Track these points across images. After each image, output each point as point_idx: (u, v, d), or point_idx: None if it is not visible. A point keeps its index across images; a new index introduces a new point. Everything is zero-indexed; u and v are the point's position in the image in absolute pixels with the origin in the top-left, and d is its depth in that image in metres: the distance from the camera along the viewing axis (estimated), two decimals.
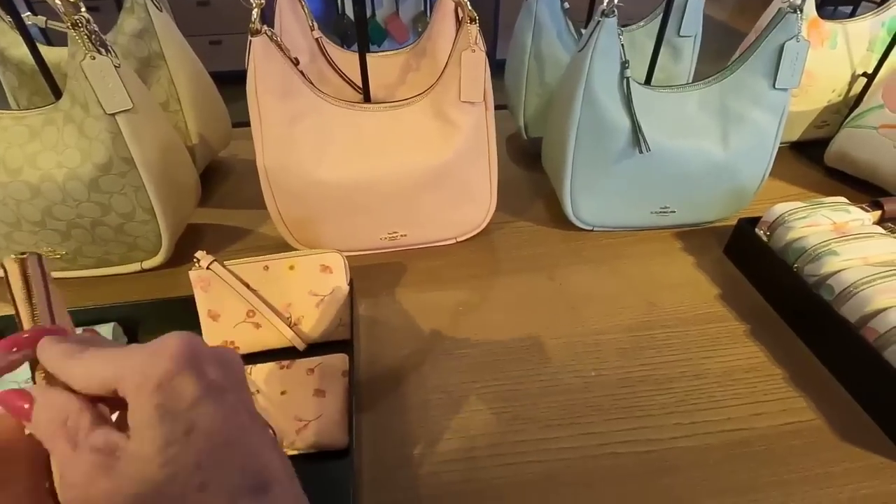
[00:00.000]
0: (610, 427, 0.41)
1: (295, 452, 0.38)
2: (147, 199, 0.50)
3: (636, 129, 0.53)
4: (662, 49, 0.58)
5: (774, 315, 0.51)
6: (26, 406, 0.21)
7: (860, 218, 0.52)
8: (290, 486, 0.21)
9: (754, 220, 0.56)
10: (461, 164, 0.52)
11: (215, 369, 0.21)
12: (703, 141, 0.55)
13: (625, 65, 0.52)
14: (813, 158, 0.76)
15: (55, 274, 0.54)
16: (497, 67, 0.52)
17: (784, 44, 0.50)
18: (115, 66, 0.45)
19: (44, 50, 0.50)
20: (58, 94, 0.48)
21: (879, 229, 0.51)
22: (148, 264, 0.55)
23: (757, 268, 0.54)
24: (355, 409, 0.40)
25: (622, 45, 0.51)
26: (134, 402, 0.19)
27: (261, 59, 0.46)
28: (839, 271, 0.46)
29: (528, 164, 0.75)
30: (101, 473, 0.19)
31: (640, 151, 0.53)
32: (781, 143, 0.57)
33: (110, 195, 0.48)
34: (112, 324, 0.46)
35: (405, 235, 0.57)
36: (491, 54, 0.48)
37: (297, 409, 0.40)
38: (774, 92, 0.53)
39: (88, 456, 0.19)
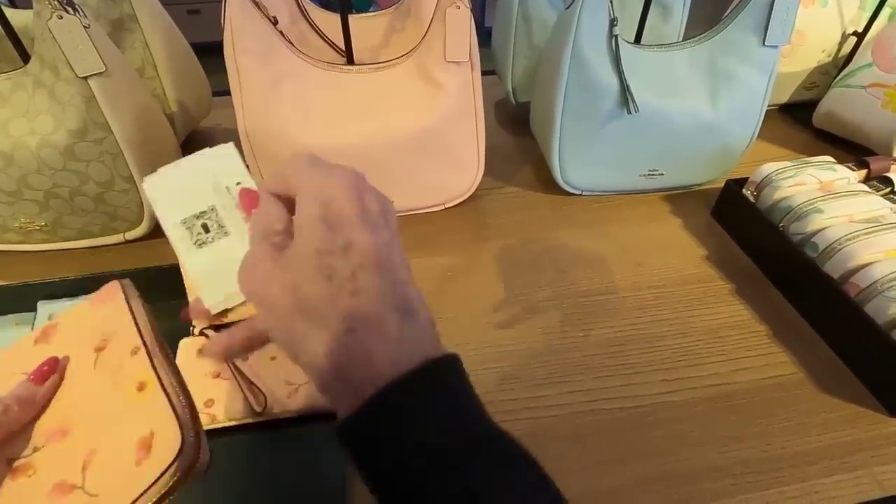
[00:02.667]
0: (598, 384, 0.42)
1: (288, 416, 0.39)
2: (126, 167, 0.48)
3: (624, 88, 0.52)
4: (652, 8, 0.57)
5: (760, 274, 0.52)
6: (252, 210, 0.25)
7: (846, 176, 0.52)
8: (430, 322, 0.23)
9: (742, 182, 0.56)
10: (448, 126, 0.51)
11: (376, 206, 0.23)
12: (692, 101, 0.55)
13: (613, 22, 0.50)
14: (801, 121, 0.75)
15: (35, 247, 0.53)
16: (485, 35, 0.51)
17: None
18: (85, 27, 0.43)
19: (9, 13, 0.48)
20: (26, 58, 0.46)
21: (864, 187, 0.51)
22: (131, 235, 0.54)
23: (743, 228, 0.55)
24: None
25: (610, 1, 0.50)
26: (301, 208, 0.22)
27: (237, 18, 0.44)
28: (823, 229, 0.46)
29: (516, 129, 0.74)
30: (267, 259, 0.22)
31: (629, 112, 0.52)
32: (770, 106, 0.57)
33: (87, 163, 0.47)
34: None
35: (392, 202, 0.56)
36: (479, 21, 0.47)
37: (287, 373, 0.40)
38: (764, 49, 0.52)
39: (264, 247, 0.22)
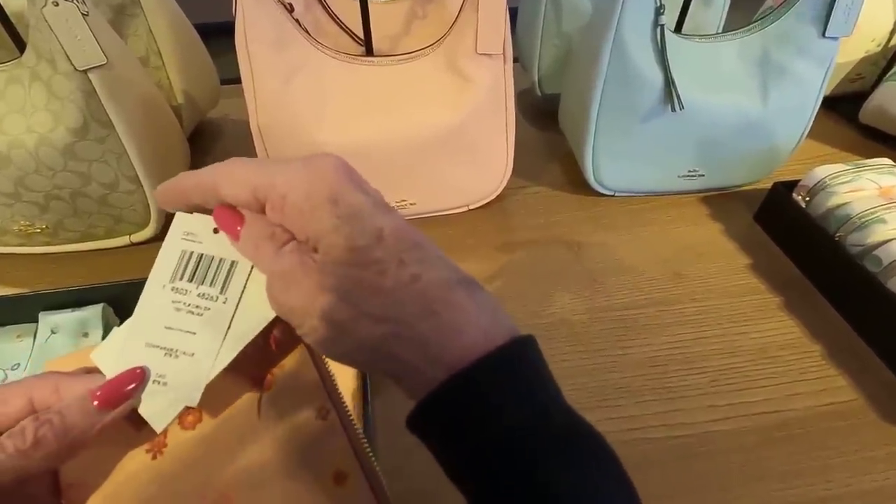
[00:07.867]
0: (641, 410, 0.39)
1: None
2: (130, 166, 0.45)
3: (669, 83, 0.48)
4: None
5: (811, 287, 0.48)
6: (238, 228, 0.21)
7: None
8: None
9: (789, 184, 0.52)
10: (476, 124, 0.48)
11: (372, 189, 0.21)
12: (740, 96, 0.50)
13: (659, 10, 0.46)
14: (846, 115, 0.71)
15: (37, 249, 0.50)
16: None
17: None
18: (84, 15, 0.39)
19: None
20: (22, 46, 0.43)
21: None
22: (137, 238, 0.51)
23: (792, 235, 0.51)
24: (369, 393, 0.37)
25: None
26: (309, 216, 0.19)
27: (250, 4, 0.40)
28: (887, 241, 0.42)
29: (541, 123, 0.70)
30: (299, 270, 0.19)
31: (673, 109, 0.48)
32: None
33: (89, 163, 0.44)
34: (101, 305, 0.42)
35: (414, 204, 0.53)
36: None
37: None
38: (823, 41, 0.48)
39: (291, 257, 0.20)
